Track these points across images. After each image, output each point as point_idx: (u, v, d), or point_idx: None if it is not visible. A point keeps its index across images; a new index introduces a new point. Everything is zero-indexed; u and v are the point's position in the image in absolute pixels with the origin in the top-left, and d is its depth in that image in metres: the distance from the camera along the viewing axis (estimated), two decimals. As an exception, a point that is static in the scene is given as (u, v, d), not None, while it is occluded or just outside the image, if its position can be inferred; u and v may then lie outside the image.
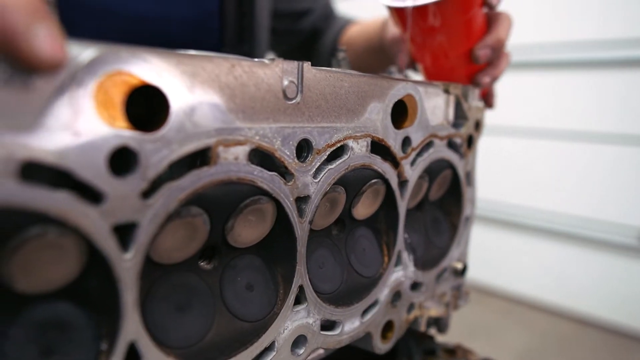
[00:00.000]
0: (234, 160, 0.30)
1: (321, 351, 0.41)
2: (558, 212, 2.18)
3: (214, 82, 0.29)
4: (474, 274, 2.48)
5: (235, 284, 0.34)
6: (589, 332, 2.05)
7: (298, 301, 0.37)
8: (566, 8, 2.05)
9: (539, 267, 2.28)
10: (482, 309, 2.25)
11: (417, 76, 0.68)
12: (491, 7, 0.60)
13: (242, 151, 0.31)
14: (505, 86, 2.21)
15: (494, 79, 0.66)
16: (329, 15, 0.92)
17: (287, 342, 0.36)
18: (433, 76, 0.66)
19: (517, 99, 2.20)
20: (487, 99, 0.72)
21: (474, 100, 0.54)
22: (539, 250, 2.27)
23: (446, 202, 0.55)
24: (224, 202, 0.31)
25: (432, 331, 0.60)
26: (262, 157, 0.33)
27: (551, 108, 2.16)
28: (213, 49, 0.70)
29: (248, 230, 0.34)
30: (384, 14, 0.71)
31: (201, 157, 0.30)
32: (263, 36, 0.77)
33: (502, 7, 0.64)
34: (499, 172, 2.34)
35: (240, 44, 0.73)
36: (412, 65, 0.69)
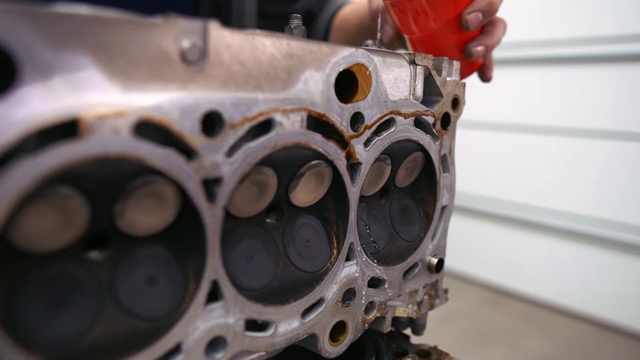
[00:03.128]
0: (111, 134, 0.26)
1: (253, 355, 0.36)
2: (579, 213, 2.09)
3: (84, 42, 0.25)
4: (491, 276, 2.39)
5: (132, 277, 0.30)
6: (612, 339, 1.92)
7: (214, 298, 0.33)
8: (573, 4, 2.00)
9: (560, 270, 2.18)
10: (500, 312, 2.16)
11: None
12: None
13: (123, 124, 0.26)
14: (532, 84, 2.17)
15: (489, 48, 0.59)
16: None
17: (199, 344, 0.32)
18: (421, 50, 0.60)
19: (534, 95, 2.12)
20: (484, 72, 0.65)
21: (452, 75, 0.48)
22: (560, 252, 2.18)
23: (419, 189, 0.49)
24: (104, 181, 0.27)
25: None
26: (158, 131, 0.28)
27: (570, 105, 2.07)
28: None
29: (144, 217, 0.29)
30: None
31: (69, 129, 0.25)
32: (241, 19, 0.72)
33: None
34: (520, 171, 2.26)
35: (217, 15, 0.68)
36: (399, 39, 0.63)
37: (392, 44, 0.62)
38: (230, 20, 0.68)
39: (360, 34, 0.79)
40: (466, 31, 0.57)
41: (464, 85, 0.49)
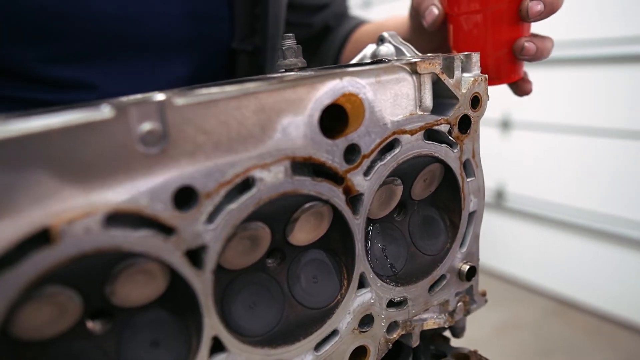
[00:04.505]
0: (83, 234, 0.27)
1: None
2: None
3: (35, 158, 0.26)
4: (557, 286, 2.22)
5: (136, 343, 0.32)
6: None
7: (218, 349, 0.34)
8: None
9: (633, 284, 1.94)
10: (565, 325, 2.02)
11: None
12: None
13: (93, 221, 0.28)
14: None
15: (539, 51, 0.51)
16: (343, 14, 0.85)
17: (209, 393, 0.34)
18: (462, 39, 0.54)
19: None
20: (523, 84, 0.57)
21: (470, 70, 0.43)
22: (634, 266, 1.93)
23: (441, 198, 0.46)
24: (88, 273, 0.29)
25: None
26: (130, 218, 0.29)
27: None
28: (221, 42, 0.64)
29: (136, 291, 0.31)
30: None
31: (44, 237, 0.27)
32: (277, 27, 0.69)
33: None
34: (590, 177, 2.02)
35: (252, 35, 0.66)
36: (444, 23, 0.56)
37: (436, 27, 0.56)
38: (267, 29, 0.66)
39: None
40: (519, 25, 0.51)
41: (484, 79, 0.43)
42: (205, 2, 0.60)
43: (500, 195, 2.44)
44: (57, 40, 0.51)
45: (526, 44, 0.50)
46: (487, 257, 2.54)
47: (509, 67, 0.53)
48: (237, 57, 0.64)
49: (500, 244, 2.48)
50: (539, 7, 0.48)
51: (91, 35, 0.52)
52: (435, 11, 0.53)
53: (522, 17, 0.50)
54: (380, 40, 0.51)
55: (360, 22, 0.83)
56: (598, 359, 1.82)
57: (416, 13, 0.58)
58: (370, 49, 0.52)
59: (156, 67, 0.57)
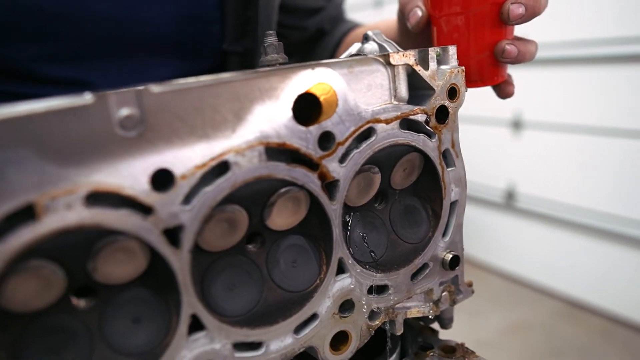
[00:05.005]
0: (66, 210, 0.30)
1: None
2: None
3: (22, 138, 0.28)
4: (568, 288, 2.19)
5: (118, 319, 0.34)
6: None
7: (199, 327, 0.36)
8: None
9: None
10: (575, 327, 1.98)
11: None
12: None
13: (75, 198, 0.30)
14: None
15: (521, 54, 0.52)
16: (337, 17, 0.87)
17: (190, 370, 0.36)
18: (444, 40, 0.55)
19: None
20: (505, 87, 0.57)
21: (447, 62, 0.44)
22: None
23: (423, 187, 0.47)
24: (71, 248, 0.31)
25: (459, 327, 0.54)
26: (111, 197, 0.31)
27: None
28: (212, 44, 0.67)
29: (118, 269, 0.33)
30: None
31: (29, 212, 0.29)
32: (269, 29, 0.71)
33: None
34: (605, 177, 1.99)
35: (243, 37, 0.68)
36: (428, 24, 0.57)
37: (419, 28, 0.57)
38: (257, 31, 0.68)
39: None
40: (501, 28, 0.52)
41: (461, 71, 0.45)
42: (197, 5, 0.63)
43: (510, 195, 2.41)
44: (53, 40, 0.54)
45: (507, 47, 0.51)
46: (497, 257, 2.51)
47: (491, 69, 0.54)
48: (228, 58, 0.67)
49: (511, 245, 2.45)
50: (520, 10, 0.49)
51: (87, 36, 0.55)
52: (419, 13, 0.55)
53: (504, 20, 0.51)
54: (365, 38, 0.52)
55: (354, 26, 0.85)
56: (610, 360, 1.78)
57: (402, 15, 0.60)
58: (355, 47, 0.54)
59: (150, 67, 0.60)
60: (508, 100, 0.59)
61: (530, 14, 0.51)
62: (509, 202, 2.42)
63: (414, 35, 0.60)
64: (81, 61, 0.56)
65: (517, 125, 2.31)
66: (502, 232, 2.45)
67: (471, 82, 0.54)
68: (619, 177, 1.99)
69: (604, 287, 2.08)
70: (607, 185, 2.03)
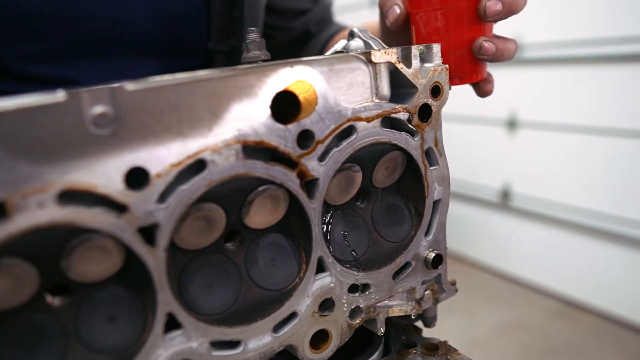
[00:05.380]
0: (37, 208, 0.29)
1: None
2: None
3: (-11, 132, 0.28)
4: (563, 287, 2.21)
5: (94, 317, 0.34)
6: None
7: (175, 326, 0.36)
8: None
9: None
10: (570, 326, 1.98)
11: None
12: None
13: (47, 197, 0.30)
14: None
15: (499, 52, 0.52)
16: (325, 20, 0.86)
17: (165, 368, 0.36)
18: (423, 37, 0.55)
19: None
20: (484, 85, 0.56)
21: (431, 60, 0.44)
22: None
23: (405, 186, 0.47)
24: (44, 246, 0.31)
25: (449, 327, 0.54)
26: (84, 196, 0.31)
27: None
28: (198, 43, 0.67)
29: (92, 267, 0.32)
30: None
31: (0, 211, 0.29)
32: (258, 18, 0.71)
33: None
34: (600, 177, 1.99)
35: (228, 37, 0.68)
36: (406, 21, 0.57)
37: (398, 26, 0.57)
38: (242, 31, 0.68)
39: None
40: (479, 24, 0.51)
41: (445, 69, 0.44)
42: (182, 5, 0.62)
43: (506, 195, 2.41)
44: (37, 39, 0.54)
45: (485, 44, 0.51)
46: (493, 257, 2.51)
47: (470, 67, 0.54)
48: (213, 57, 0.67)
49: (506, 244, 2.45)
50: (497, 6, 0.49)
51: (73, 36, 0.55)
52: (397, 10, 0.55)
53: (481, 16, 0.50)
54: (351, 35, 0.52)
55: (341, 28, 0.85)
56: (604, 359, 1.77)
57: (381, 13, 0.60)
58: (341, 44, 0.53)
59: (136, 66, 0.60)
60: (503, 99, 0.59)
61: (508, 11, 0.50)
62: (504, 201, 2.42)
63: (396, 34, 0.60)
64: (65, 60, 0.56)
65: (512, 124, 2.31)
66: (498, 232, 2.46)
67: (450, 80, 0.54)
68: (613, 177, 1.99)
69: (599, 286, 2.09)
70: (602, 184, 2.03)
